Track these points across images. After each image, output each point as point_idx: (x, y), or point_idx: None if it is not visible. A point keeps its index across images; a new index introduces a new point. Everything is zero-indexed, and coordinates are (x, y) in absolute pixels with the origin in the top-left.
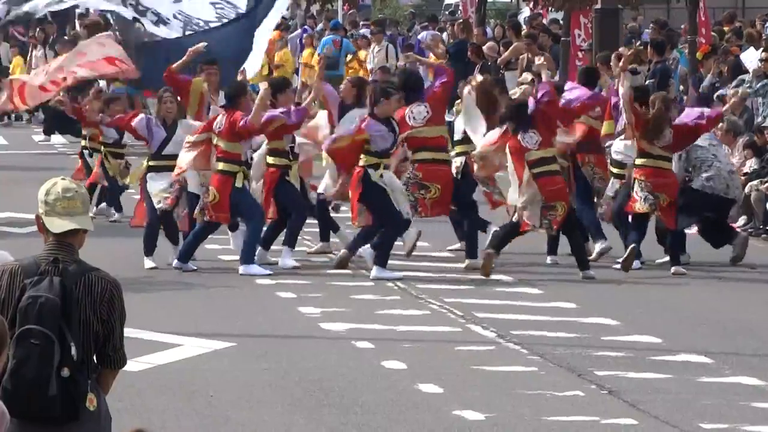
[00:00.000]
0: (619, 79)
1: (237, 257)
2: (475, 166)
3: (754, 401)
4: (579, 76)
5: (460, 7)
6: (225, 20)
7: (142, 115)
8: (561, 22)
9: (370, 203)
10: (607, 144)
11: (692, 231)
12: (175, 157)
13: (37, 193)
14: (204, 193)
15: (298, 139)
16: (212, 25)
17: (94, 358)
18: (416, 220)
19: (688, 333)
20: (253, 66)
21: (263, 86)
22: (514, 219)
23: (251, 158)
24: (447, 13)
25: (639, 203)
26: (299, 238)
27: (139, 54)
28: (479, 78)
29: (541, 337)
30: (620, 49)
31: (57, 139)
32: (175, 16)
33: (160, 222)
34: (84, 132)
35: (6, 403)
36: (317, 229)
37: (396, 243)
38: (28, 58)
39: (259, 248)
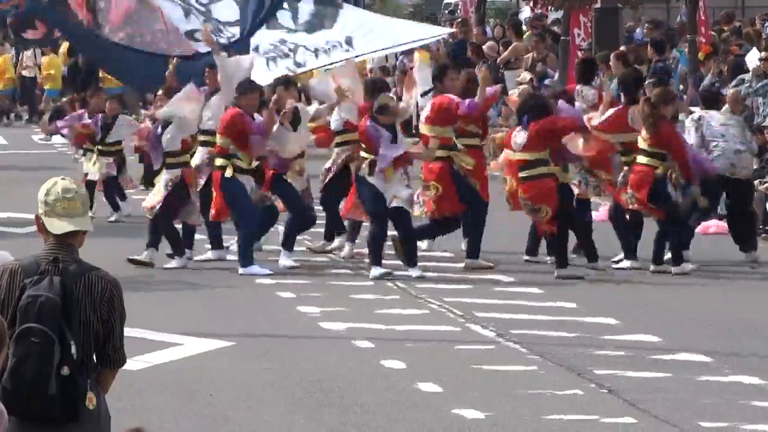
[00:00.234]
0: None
1: (236, 257)
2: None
3: (753, 400)
4: (576, 70)
5: (460, 7)
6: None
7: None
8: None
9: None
10: None
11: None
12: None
13: (36, 193)
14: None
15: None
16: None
17: (94, 357)
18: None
19: (687, 332)
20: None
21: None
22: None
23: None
24: (446, 12)
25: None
26: (299, 238)
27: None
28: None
29: (541, 337)
30: (622, 48)
31: (57, 139)
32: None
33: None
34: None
35: (6, 402)
36: (315, 229)
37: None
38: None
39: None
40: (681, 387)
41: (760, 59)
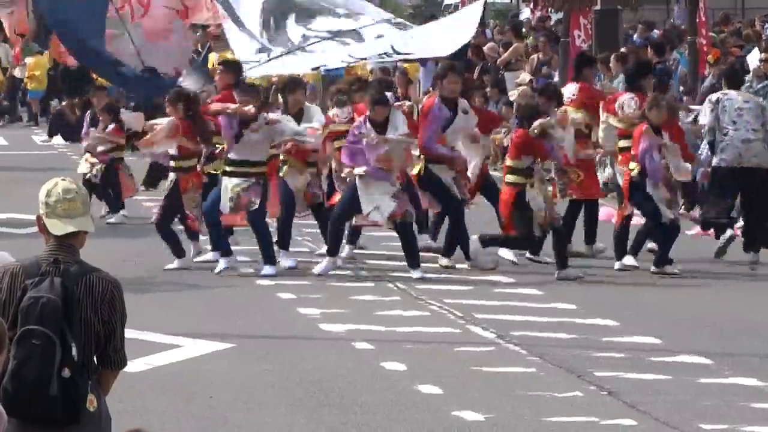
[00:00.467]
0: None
1: (238, 258)
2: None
3: (753, 402)
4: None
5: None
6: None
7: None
8: None
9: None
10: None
11: (692, 232)
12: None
13: (37, 194)
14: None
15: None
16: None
17: (95, 359)
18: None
19: (687, 334)
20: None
21: None
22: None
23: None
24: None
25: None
26: (299, 238)
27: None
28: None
29: (541, 338)
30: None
31: (57, 139)
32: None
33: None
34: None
35: (6, 404)
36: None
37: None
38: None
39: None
40: (681, 389)
41: (761, 60)
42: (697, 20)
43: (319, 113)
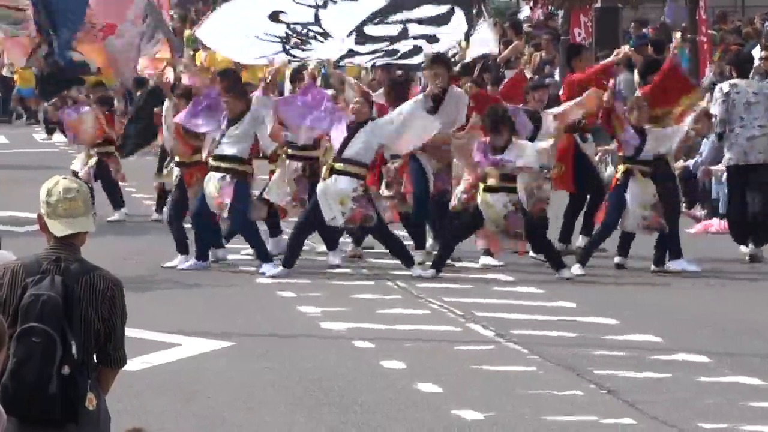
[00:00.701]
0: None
1: (238, 257)
2: None
3: (753, 401)
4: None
5: None
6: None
7: None
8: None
9: None
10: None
11: (693, 230)
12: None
13: (38, 193)
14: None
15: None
16: None
17: (95, 357)
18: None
19: (687, 332)
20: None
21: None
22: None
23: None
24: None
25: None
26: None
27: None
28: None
29: (541, 337)
30: (625, 47)
31: (58, 138)
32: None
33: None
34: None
35: (6, 403)
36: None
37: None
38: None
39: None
40: (681, 387)
41: (761, 58)
42: (697, 18)
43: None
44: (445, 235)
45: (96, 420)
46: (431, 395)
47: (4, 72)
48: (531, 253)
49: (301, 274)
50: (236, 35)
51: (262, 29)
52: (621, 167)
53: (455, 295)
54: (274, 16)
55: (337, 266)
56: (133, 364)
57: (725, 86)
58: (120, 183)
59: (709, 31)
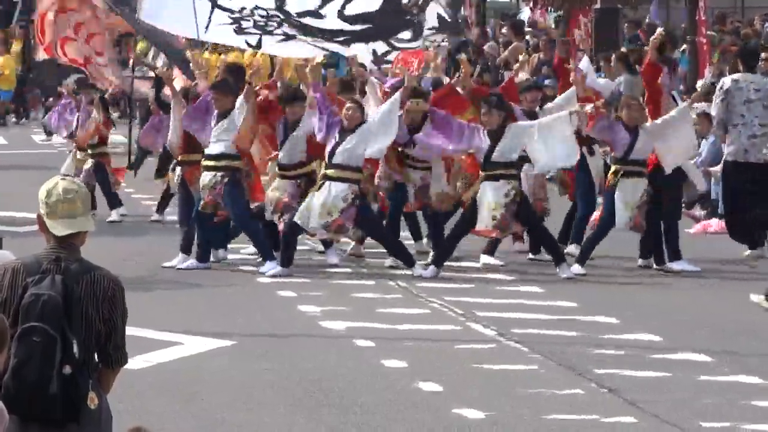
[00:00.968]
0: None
1: (238, 256)
2: None
3: (754, 400)
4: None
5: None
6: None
7: None
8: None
9: None
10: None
11: (692, 231)
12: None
13: (37, 193)
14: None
15: None
16: None
17: (96, 356)
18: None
19: (687, 331)
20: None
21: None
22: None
23: None
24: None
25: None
26: (299, 237)
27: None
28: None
29: (542, 336)
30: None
31: (57, 138)
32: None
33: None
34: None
35: (7, 402)
36: None
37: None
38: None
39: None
40: (681, 386)
41: (762, 59)
42: (697, 19)
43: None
44: (439, 232)
45: (98, 419)
46: (432, 394)
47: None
48: (530, 255)
49: (302, 274)
50: (179, 7)
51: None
52: (612, 168)
53: (456, 295)
54: None
55: (336, 265)
56: (134, 363)
57: (727, 81)
58: (117, 186)
59: (709, 32)
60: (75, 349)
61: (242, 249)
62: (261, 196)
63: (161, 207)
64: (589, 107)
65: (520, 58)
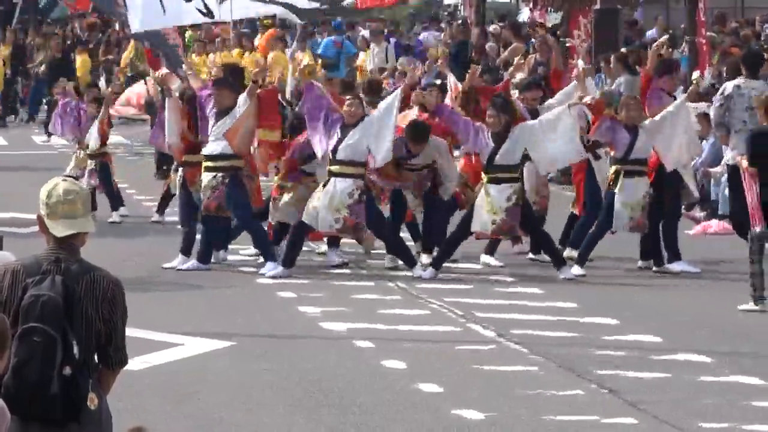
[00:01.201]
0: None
1: (238, 257)
2: None
3: (754, 400)
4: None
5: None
6: None
7: None
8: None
9: None
10: None
11: (692, 232)
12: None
13: (37, 194)
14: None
15: None
16: None
17: (96, 357)
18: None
19: (687, 332)
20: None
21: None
22: None
23: None
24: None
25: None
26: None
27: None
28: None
29: (542, 337)
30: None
31: (57, 139)
32: None
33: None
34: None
35: (8, 402)
36: None
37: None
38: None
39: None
40: (681, 387)
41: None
42: (696, 19)
43: None
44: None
45: (98, 420)
46: (431, 395)
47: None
48: (530, 255)
49: (302, 275)
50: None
51: None
52: (612, 168)
53: (455, 296)
54: None
55: (337, 265)
56: (134, 364)
57: (729, 87)
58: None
59: (709, 32)
60: (75, 349)
61: (242, 250)
62: (260, 200)
63: (161, 208)
64: (588, 98)
65: (516, 60)
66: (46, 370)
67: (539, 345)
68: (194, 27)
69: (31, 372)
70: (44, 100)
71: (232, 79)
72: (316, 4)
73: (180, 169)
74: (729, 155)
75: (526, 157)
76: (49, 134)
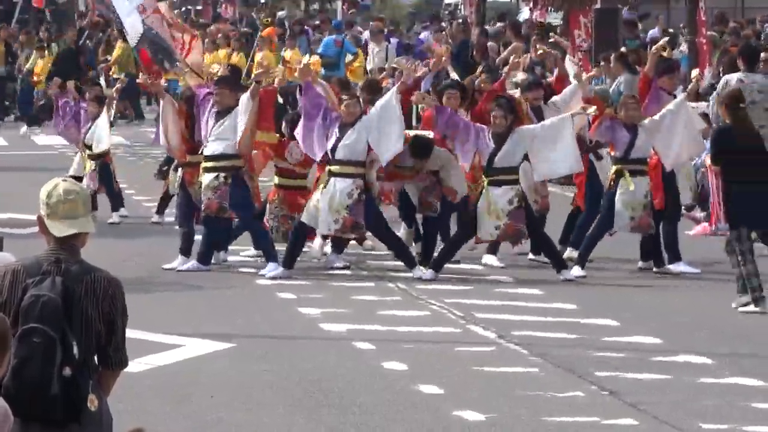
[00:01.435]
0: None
1: (238, 258)
2: None
3: (754, 402)
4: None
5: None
6: None
7: None
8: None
9: None
10: None
11: (692, 232)
12: None
13: (37, 194)
14: None
15: None
16: None
17: (96, 358)
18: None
19: (687, 334)
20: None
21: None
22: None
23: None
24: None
25: None
26: None
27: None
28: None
29: (542, 338)
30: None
31: (57, 139)
32: None
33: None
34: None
35: (8, 402)
36: None
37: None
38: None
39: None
40: (681, 388)
41: (762, 59)
42: (697, 19)
43: None
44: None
45: (98, 421)
46: (431, 396)
47: None
48: (531, 255)
49: (302, 276)
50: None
51: None
52: (613, 168)
53: (455, 297)
54: None
55: (339, 268)
56: (134, 365)
57: (732, 81)
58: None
59: (709, 32)
60: (75, 350)
61: (242, 251)
62: (259, 201)
63: (161, 209)
64: (591, 110)
65: (511, 59)
66: (46, 371)
67: (539, 346)
68: (199, 27)
69: (31, 372)
70: (35, 96)
71: (228, 76)
72: None
73: (179, 169)
74: None
75: (524, 156)
76: (30, 125)
